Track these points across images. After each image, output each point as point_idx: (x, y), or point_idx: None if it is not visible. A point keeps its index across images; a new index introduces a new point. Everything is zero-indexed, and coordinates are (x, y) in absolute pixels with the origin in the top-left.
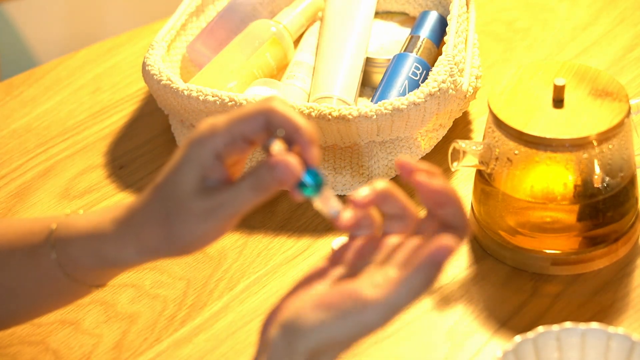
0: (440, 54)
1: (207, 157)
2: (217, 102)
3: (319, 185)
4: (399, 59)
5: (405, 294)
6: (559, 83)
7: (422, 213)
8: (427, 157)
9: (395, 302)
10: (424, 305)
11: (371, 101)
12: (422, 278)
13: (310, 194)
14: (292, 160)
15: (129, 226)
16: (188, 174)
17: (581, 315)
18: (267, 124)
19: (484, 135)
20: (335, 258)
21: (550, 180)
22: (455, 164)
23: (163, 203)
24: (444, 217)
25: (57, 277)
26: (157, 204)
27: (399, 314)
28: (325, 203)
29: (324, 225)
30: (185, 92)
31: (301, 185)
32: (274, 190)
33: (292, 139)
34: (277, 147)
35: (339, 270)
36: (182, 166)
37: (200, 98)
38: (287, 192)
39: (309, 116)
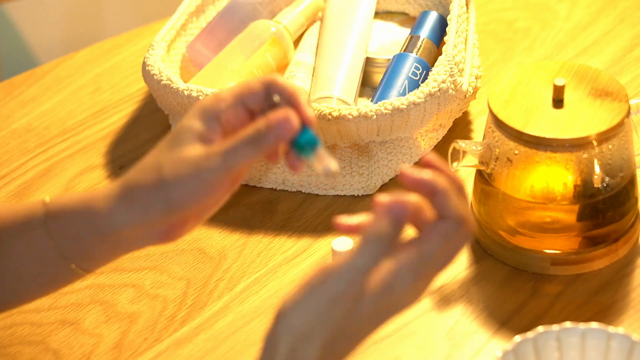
0: (440, 54)
1: (208, 116)
2: None
3: (314, 144)
4: (399, 59)
5: (364, 259)
6: (559, 83)
7: None
8: None
9: (355, 265)
10: (424, 305)
11: (371, 101)
12: (373, 245)
13: (306, 154)
14: (291, 115)
15: (122, 187)
16: (187, 131)
17: (581, 315)
18: (268, 94)
19: (484, 136)
20: None
21: (550, 180)
22: (455, 164)
23: (159, 159)
24: (436, 207)
25: (47, 254)
26: (153, 160)
27: (362, 280)
28: (321, 161)
29: (324, 226)
30: (186, 92)
31: (297, 146)
32: (271, 148)
33: (289, 104)
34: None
35: None
36: (182, 126)
37: (200, 98)
38: (288, 192)
39: None
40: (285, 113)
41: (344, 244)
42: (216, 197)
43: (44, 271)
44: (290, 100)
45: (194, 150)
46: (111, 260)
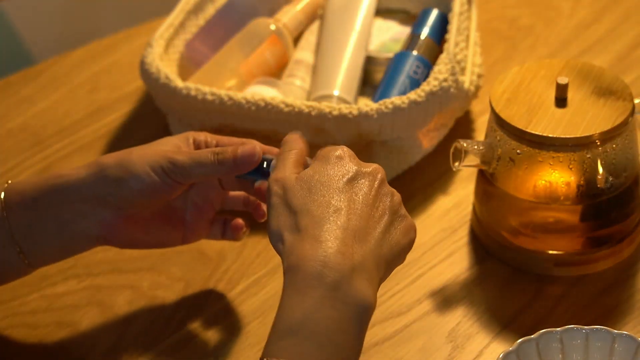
0: (441, 52)
1: (189, 140)
2: (216, 102)
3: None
4: (400, 58)
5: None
6: (562, 82)
7: None
8: (428, 157)
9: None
10: (426, 306)
11: (372, 100)
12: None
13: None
14: (258, 147)
15: (92, 161)
16: (167, 141)
17: (585, 316)
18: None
19: (485, 135)
20: None
21: (553, 180)
22: (457, 163)
23: (134, 148)
24: None
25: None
26: (129, 149)
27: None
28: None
29: None
30: (184, 91)
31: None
32: (229, 169)
33: None
34: None
35: None
36: (165, 138)
37: (199, 97)
38: None
39: (308, 115)
40: (253, 149)
41: None
42: (165, 195)
43: None
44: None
45: (166, 147)
46: (57, 254)
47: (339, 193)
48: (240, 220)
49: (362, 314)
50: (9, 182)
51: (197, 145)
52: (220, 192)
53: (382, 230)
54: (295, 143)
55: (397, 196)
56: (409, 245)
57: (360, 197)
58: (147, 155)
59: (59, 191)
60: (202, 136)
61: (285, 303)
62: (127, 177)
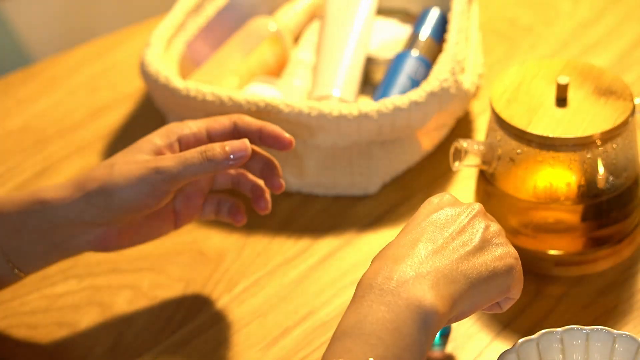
0: (441, 52)
1: (170, 135)
2: (216, 102)
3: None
4: (400, 57)
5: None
6: (562, 82)
7: None
8: (428, 157)
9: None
10: None
11: (372, 100)
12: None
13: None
14: (247, 146)
15: (74, 180)
16: (147, 143)
17: (585, 317)
18: (234, 130)
19: (486, 135)
20: None
21: (554, 180)
22: (457, 163)
23: (114, 160)
24: None
25: None
26: (109, 161)
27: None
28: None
29: (324, 226)
30: (184, 92)
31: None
32: (220, 167)
33: (260, 138)
34: None
35: None
36: (144, 139)
37: (199, 98)
38: (287, 192)
39: (308, 115)
40: (243, 144)
41: None
42: (155, 205)
43: None
44: (260, 134)
45: (146, 157)
46: (48, 262)
47: (423, 226)
48: (240, 204)
49: (421, 316)
50: None
51: (186, 142)
52: (209, 177)
53: (466, 251)
54: None
55: (496, 227)
56: (505, 271)
57: (442, 222)
58: (130, 171)
59: (45, 217)
60: (187, 129)
61: (345, 313)
62: (113, 199)
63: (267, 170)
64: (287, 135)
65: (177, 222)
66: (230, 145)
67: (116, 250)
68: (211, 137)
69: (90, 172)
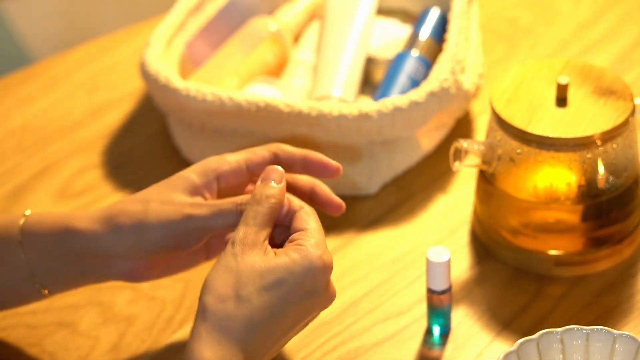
0: (441, 52)
1: (208, 174)
2: (216, 102)
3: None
4: (400, 57)
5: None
6: (563, 81)
7: None
8: (428, 157)
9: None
10: (425, 306)
11: (372, 100)
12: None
13: None
14: (279, 194)
15: (106, 210)
16: (184, 180)
17: (585, 317)
18: (274, 161)
19: (486, 135)
20: None
21: (554, 180)
22: (457, 163)
23: (149, 195)
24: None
25: (18, 270)
26: (143, 194)
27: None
28: None
29: (324, 226)
30: (184, 92)
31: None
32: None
33: (304, 168)
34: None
35: None
36: (181, 174)
37: (199, 98)
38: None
39: (308, 115)
40: (280, 170)
41: (439, 253)
42: (186, 250)
43: (11, 285)
44: (304, 163)
45: (182, 198)
46: (75, 286)
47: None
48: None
49: None
50: (27, 213)
51: (225, 180)
52: None
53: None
54: (276, 191)
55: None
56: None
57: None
58: (163, 213)
59: (74, 246)
60: (226, 165)
61: None
62: (145, 238)
63: (318, 195)
64: (333, 162)
65: (208, 255)
66: (265, 197)
67: (146, 281)
68: (251, 170)
69: (123, 206)
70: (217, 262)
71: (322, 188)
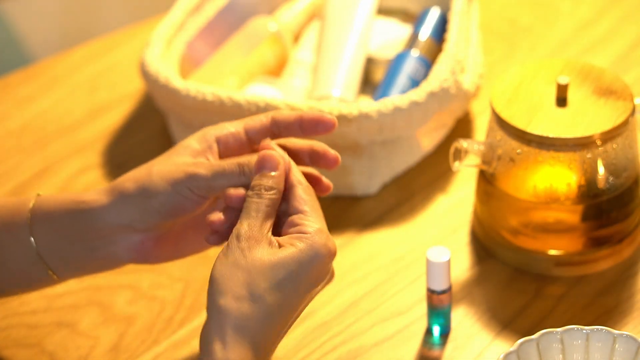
0: (442, 52)
1: (208, 138)
2: (216, 102)
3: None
4: (400, 57)
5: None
6: (563, 82)
7: None
8: (428, 157)
9: None
10: (425, 306)
11: (372, 100)
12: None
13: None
14: (280, 158)
15: (113, 183)
16: (185, 147)
17: (585, 317)
18: (273, 127)
19: (486, 135)
20: None
21: (554, 180)
22: (457, 163)
23: (151, 163)
24: None
25: (26, 252)
26: (146, 165)
27: None
28: None
29: None
30: (184, 92)
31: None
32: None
33: (300, 130)
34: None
35: None
36: (181, 143)
37: (199, 98)
38: None
39: None
40: (275, 156)
41: (439, 253)
42: (192, 210)
43: (20, 269)
44: (300, 123)
45: (185, 159)
46: (84, 271)
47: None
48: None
49: None
50: (39, 194)
51: (224, 143)
52: None
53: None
54: (275, 182)
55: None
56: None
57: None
58: (167, 173)
59: (84, 218)
60: (225, 130)
61: None
62: (150, 200)
63: (316, 155)
64: (328, 115)
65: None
66: (268, 161)
67: (156, 262)
68: (249, 136)
69: (127, 174)
70: (222, 257)
71: (319, 144)
